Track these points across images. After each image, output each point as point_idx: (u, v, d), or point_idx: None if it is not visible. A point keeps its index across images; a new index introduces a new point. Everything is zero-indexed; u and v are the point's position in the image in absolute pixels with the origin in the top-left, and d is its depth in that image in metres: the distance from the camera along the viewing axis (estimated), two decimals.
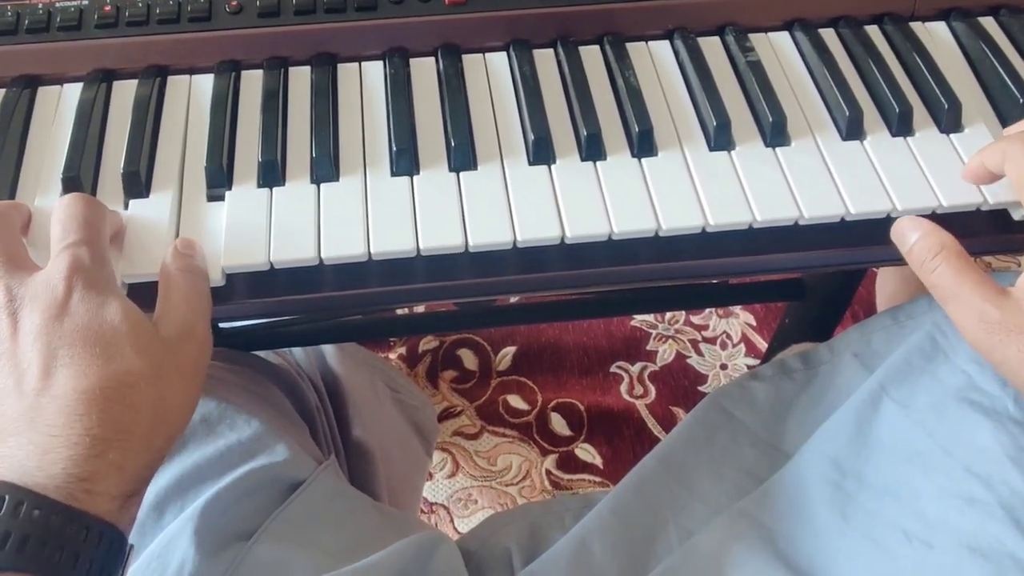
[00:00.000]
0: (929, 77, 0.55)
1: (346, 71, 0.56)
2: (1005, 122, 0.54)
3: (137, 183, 0.50)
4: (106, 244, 0.45)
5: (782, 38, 0.58)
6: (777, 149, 0.52)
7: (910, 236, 0.46)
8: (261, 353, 0.74)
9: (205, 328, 0.45)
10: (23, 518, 0.35)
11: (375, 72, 0.56)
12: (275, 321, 0.84)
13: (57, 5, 0.55)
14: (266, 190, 0.50)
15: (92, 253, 0.43)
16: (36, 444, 0.38)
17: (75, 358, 0.40)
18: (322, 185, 0.50)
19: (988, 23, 0.59)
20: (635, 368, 1.25)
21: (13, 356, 0.40)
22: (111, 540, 0.38)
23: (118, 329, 0.41)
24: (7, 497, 0.36)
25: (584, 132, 0.52)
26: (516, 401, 1.22)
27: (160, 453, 0.42)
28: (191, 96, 0.55)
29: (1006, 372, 0.43)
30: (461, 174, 0.51)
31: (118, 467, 0.39)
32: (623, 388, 1.23)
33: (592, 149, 0.51)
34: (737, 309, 1.31)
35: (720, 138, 0.52)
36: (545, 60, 0.57)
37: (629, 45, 0.57)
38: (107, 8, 0.55)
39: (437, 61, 0.56)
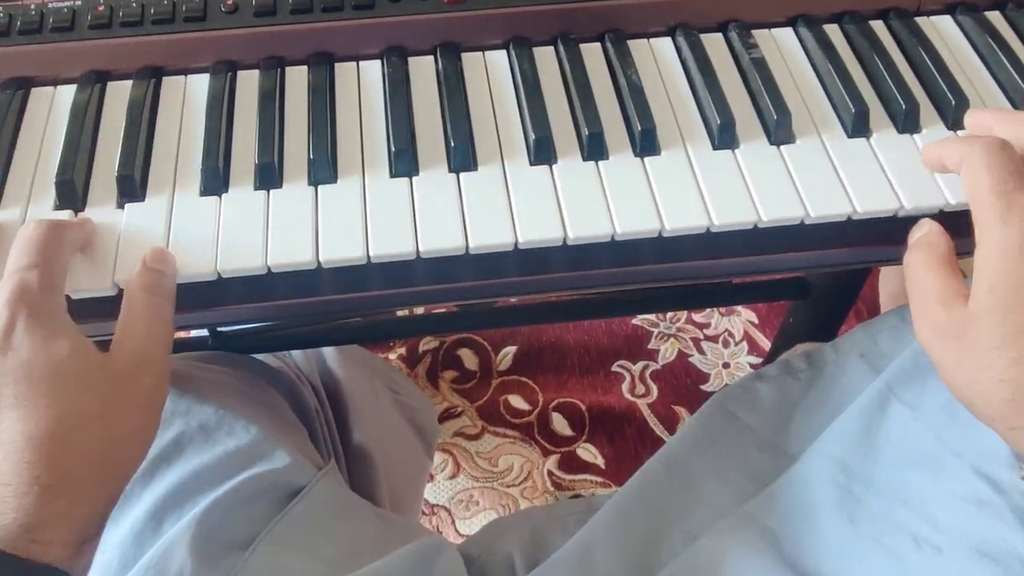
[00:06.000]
0: (935, 73, 0.54)
1: (344, 70, 0.55)
2: None
3: (132, 186, 0.49)
4: (60, 270, 0.42)
5: (786, 34, 0.58)
6: (782, 147, 0.51)
7: (914, 233, 0.48)
8: (260, 356, 0.74)
9: (163, 356, 0.42)
10: None
11: (373, 71, 0.55)
12: (274, 324, 0.83)
13: (50, 6, 0.55)
14: (263, 192, 0.49)
15: (42, 278, 0.40)
16: None
17: (20, 398, 0.37)
18: (320, 187, 0.50)
19: (995, 17, 0.58)
20: (637, 367, 1.24)
21: None
22: None
23: (64, 365, 0.38)
24: None
25: (586, 131, 0.51)
26: (517, 401, 1.21)
27: (112, 497, 0.40)
28: (186, 97, 0.54)
29: (941, 374, 0.43)
30: (461, 175, 0.50)
31: (66, 515, 0.36)
32: (625, 387, 1.22)
33: (594, 148, 0.51)
34: (739, 307, 1.30)
35: (724, 137, 0.51)
36: (546, 58, 0.56)
37: (631, 42, 0.56)
38: (100, 8, 0.54)
39: (436, 60, 0.56)
